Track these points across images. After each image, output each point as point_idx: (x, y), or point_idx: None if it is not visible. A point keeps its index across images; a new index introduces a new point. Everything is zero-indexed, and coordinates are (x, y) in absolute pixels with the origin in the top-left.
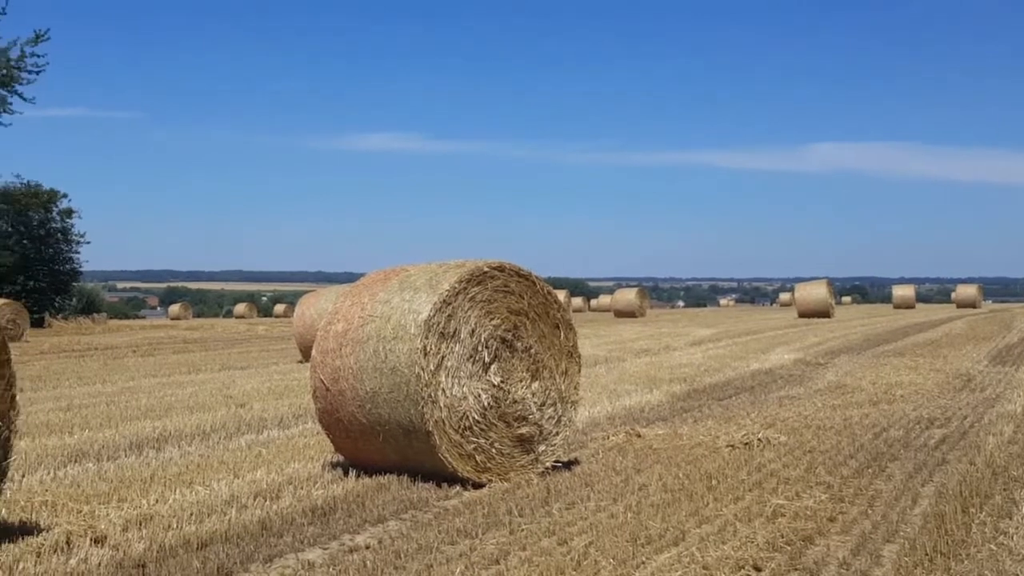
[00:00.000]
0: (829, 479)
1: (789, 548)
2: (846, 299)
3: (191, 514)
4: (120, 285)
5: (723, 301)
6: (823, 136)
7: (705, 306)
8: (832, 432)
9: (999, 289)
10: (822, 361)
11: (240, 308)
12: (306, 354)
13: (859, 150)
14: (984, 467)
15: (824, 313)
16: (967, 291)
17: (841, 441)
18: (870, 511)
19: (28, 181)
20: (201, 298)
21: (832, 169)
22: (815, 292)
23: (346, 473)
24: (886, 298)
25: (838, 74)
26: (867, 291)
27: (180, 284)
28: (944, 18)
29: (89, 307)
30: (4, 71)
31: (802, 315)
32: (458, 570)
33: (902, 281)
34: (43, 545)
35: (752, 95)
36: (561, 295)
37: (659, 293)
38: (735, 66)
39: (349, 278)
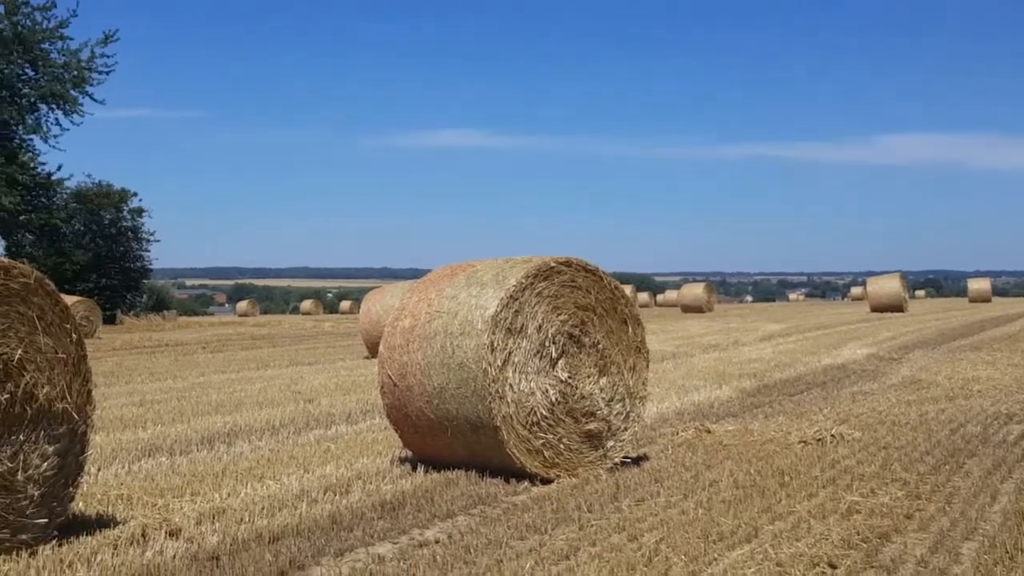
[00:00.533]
0: (905, 476)
1: (865, 545)
2: (920, 293)
3: (262, 508)
4: (189, 282)
5: (792, 296)
6: (895, 127)
7: (774, 301)
8: (907, 428)
9: None
10: (896, 356)
11: (306, 305)
12: (372, 350)
13: (932, 141)
14: None
15: (897, 307)
16: None
17: (917, 437)
18: (948, 508)
19: (100, 181)
20: (268, 295)
21: (905, 160)
22: (888, 286)
23: (414, 468)
24: (961, 292)
25: (910, 64)
26: (941, 285)
27: (247, 281)
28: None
29: (159, 304)
30: (75, 72)
31: (874, 309)
32: (528, 565)
33: (977, 274)
34: (120, 537)
35: (824, 86)
36: (627, 290)
37: (727, 288)
38: (807, 57)
39: (414, 274)
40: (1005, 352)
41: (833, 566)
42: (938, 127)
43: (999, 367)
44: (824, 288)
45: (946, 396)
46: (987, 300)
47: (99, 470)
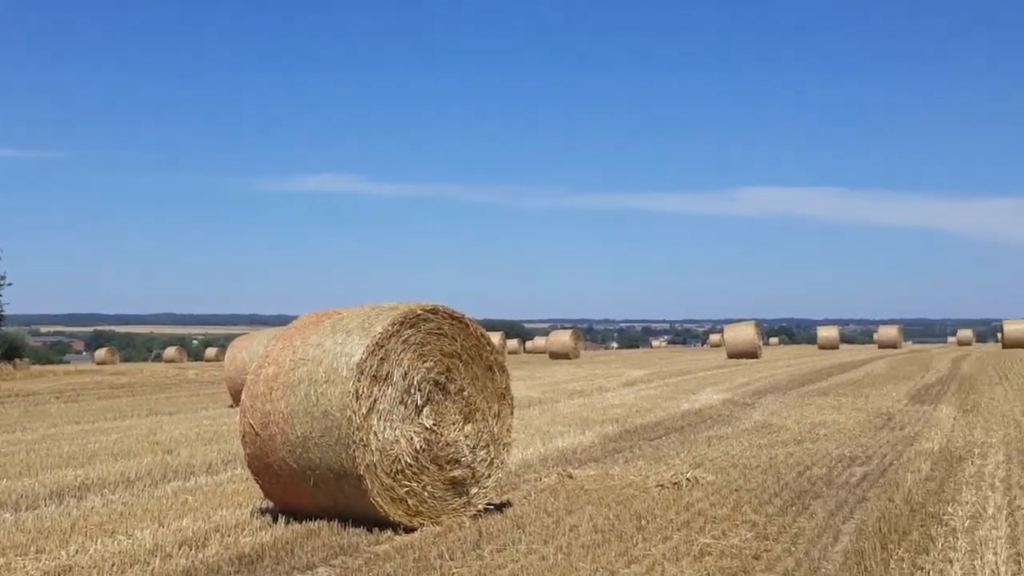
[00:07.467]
0: (755, 517)
1: None
2: (773, 340)
3: (113, 564)
4: (44, 329)
5: (656, 342)
6: (752, 180)
7: (638, 347)
8: (758, 471)
9: (919, 330)
10: (749, 401)
11: (170, 352)
12: (237, 398)
13: (786, 194)
14: (903, 504)
15: (752, 354)
16: (888, 332)
17: (766, 480)
18: (793, 548)
19: None
20: (129, 342)
21: (760, 213)
22: (743, 333)
23: (275, 519)
24: (811, 339)
25: (767, 119)
26: (793, 332)
27: (107, 328)
28: (868, 66)
29: (11, 352)
30: None
31: (731, 356)
32: None
33: (827, 322)
34: None
35: (686, 139)
36: (497, 337)
37: (593, 335)
38: (668, 111)
39: (283, 321)
40: (850, 397)
41: None
42: (791, 181)
43: (844, 411)
44: (685, 335)
45: (794, 440)
46: (835, 347)
47: None
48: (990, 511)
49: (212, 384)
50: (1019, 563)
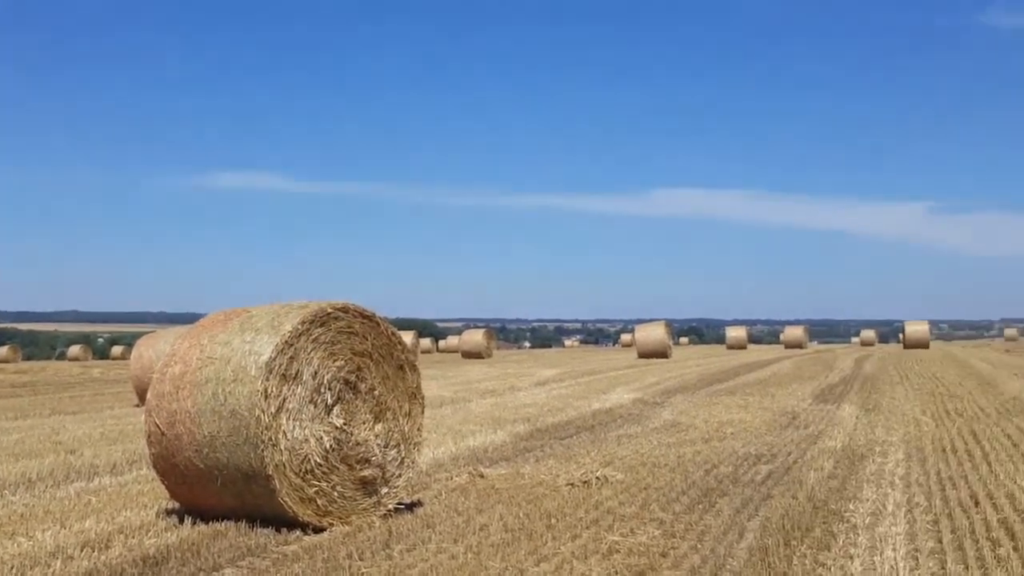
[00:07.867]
0: (662, 515)
1: None
2: (683, 340)
3: (12, 568)
4: None
5: (568, 342)
6: (664, 182)
7: (551, 347)
8: (666, 469)
9: (824, 331)
10: (659, 400)
11: (74, 350)
12: (143, 397)
13: (697, 196)
14: (806, 501)
15: (662, 353)
16: (794, 333)
17: (674, 478)
18: (699, 545)
19: None
20: (32, 340)
21: (672, 214)
22: (654, 333)
23: (181, 520)
24: (720, 339)
25: (679, 122)
26: (703, 332)
27: (9, 325)
28: (776, 71)
29: None
30: None
31: (642, 355)
32: None
33: (735, 322)
34: None
35: (599, 141)
36: (409, 336)
37: (506, 334)
38: (581, 112)
39: (191, 319)
40: (757, 396)
41: None
42: (701, 183)
43: (751, 410)
44: (597, 335)
45: (702, 438)
46: (743, 347)
47: None
48: (890, 508)
49: (117, 383)
50: (917, 559)
